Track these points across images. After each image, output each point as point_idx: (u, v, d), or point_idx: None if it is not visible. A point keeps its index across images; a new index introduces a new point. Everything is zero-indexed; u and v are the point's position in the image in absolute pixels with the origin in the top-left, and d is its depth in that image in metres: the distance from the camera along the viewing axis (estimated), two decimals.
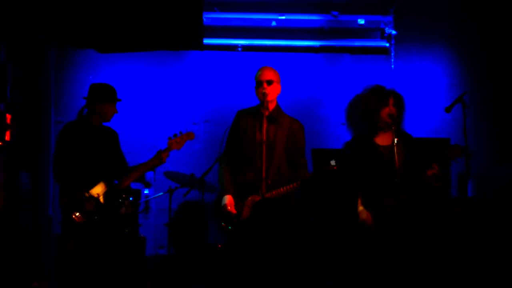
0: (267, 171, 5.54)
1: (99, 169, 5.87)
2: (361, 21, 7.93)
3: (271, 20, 7.97)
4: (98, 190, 5.73)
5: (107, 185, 5.78)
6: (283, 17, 7.96)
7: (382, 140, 5.54)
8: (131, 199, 6.03)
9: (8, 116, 6.63)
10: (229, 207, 5.64)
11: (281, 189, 5.56)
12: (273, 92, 5.73)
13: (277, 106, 5.81)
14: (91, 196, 5.66)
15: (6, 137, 6.58)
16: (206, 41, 7.48)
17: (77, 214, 5.63)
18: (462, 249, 6.37)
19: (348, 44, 8.07)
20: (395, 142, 5.34)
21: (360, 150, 5.53)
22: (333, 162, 5.40)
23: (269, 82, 5.70)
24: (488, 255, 6.52)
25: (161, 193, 7.23)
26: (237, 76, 8.00)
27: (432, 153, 5.37)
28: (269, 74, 5.74)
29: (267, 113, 5.65)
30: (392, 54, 8.01)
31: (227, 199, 5.69)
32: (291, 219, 5.70)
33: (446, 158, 5.31)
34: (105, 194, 5.76)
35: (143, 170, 6.06)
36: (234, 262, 5.57)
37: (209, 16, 7.85)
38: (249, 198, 5.60)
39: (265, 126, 5.58)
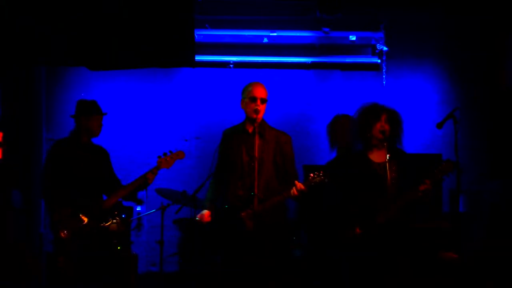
0: (258, 187, 5.54)
1: (87, 187, 5.86)
2: (353, 38, 7.96)
3: (262, 36, 7.98)
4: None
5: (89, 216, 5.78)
6: (275, 34, 7.98)
7: (376, 156, 5.53)
8: (123, 216, 6.02)
9: (0, 134, 6.61)
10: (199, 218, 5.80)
11: (271, 200, 5.57)
12: (263, 110, 5.75)
13: (263, 121, 5.80)
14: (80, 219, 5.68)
15: None
16: (198, 58, 7.47)
17: (65, 231, 5.63)
18: (453, 263, 6.37)
19: (339, 61, 8.09)
20: (387, 158, 5.34)
21: (354, 166, 5.54)
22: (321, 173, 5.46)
23: (263, 100, 5.71)
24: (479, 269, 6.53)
25: (153, 210, 7.20)
26: (228, 92, 8.00)
27: (424, 168, 5.38)
28: (262, 91, 5.75)
29: (254, 130, 5.65)
30: (384, 70, 8.04)
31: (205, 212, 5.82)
32: (284, 229, 5.74)
33: (438, 173, 5.32)
34: (91, 215, 5.77)
35: (129, 189, 6.04)
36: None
37: (200, 33, 7.85)
38: (243, 214, 5.60)
39: (257, 142, 5.57)
